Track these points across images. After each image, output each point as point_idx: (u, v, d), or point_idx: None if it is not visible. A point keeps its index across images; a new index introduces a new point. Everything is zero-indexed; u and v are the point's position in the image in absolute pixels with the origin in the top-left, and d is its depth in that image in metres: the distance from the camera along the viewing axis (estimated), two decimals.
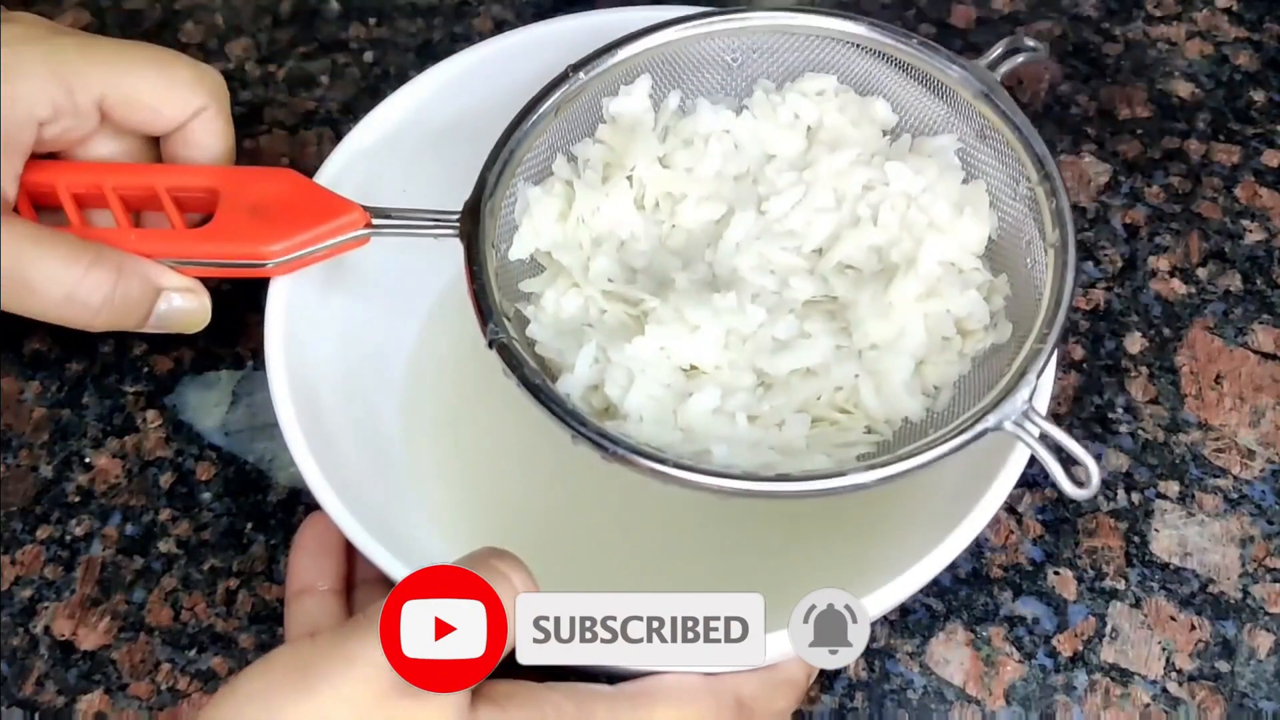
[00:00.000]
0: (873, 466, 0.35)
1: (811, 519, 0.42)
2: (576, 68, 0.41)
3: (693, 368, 0.39)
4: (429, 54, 0.58)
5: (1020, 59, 0.42)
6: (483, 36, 0.59)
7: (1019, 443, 0.36)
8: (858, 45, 0.42)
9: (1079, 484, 0.35)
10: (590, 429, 0.36)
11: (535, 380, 0.37)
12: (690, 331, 0.38)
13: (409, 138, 0.46)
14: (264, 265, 0.40)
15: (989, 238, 0.41)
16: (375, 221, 0.41)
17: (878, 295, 0.39)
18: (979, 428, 0.35)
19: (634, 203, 0.42)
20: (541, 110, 0.41)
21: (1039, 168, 0.40)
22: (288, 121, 0.56)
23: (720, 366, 0.39)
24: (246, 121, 0.56)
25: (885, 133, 0.43)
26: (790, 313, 0.39)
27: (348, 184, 0.43)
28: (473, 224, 0.39)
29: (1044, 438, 0.35)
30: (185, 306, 0.42)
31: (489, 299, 0.38)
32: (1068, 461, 0.35)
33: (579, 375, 0.38)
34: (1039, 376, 0.36)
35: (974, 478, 0.37)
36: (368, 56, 0.58)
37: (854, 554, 0.40)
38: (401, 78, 0.57)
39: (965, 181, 0.42)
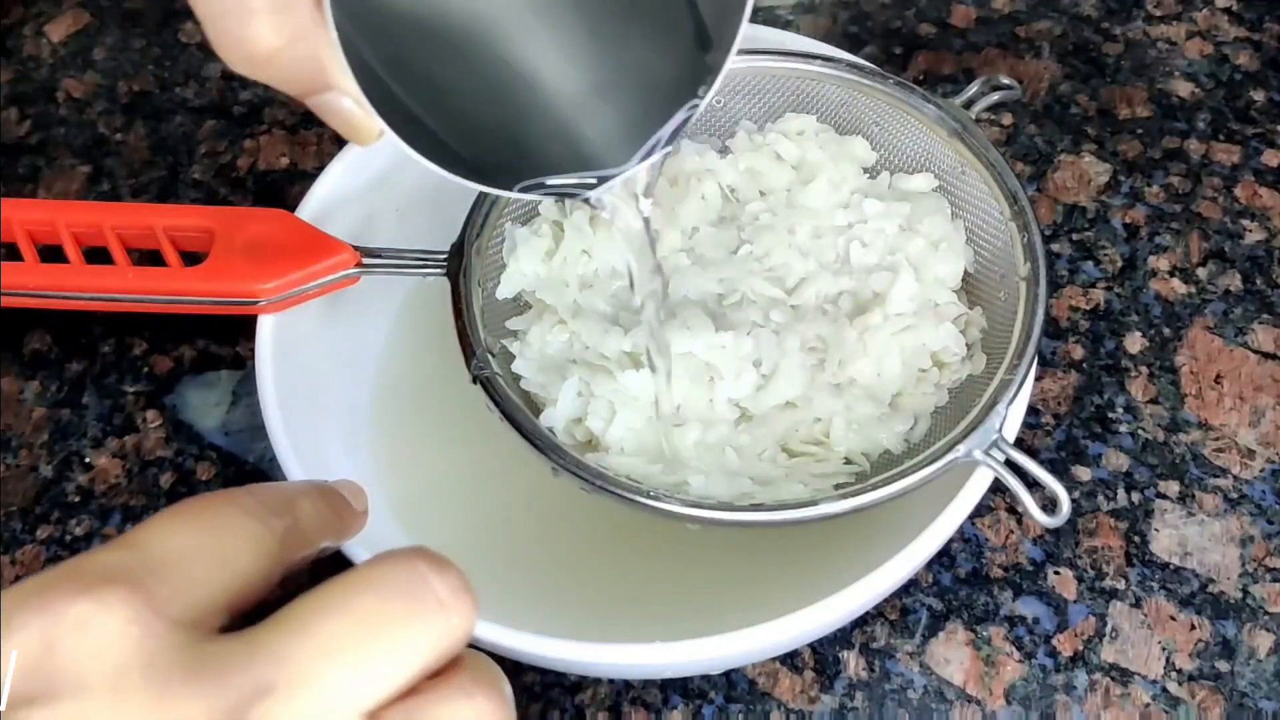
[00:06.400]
0: (845, 496, 0.36)
1: (787, 538, 0.42)
2: None
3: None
4: None
5: (995, 97, 0.43)
6: None
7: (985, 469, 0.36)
8: (837, 84, 0.43)
9: (1050, 512, 0.35)
10: (570, 461, 0.37)
11: (517, 415, 0.38)
12: (674, 365, 0.39)
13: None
14: (257, 303, 0.41)
15: (966, 271, 0.42)
16: (365, 261, 0.42)
17: (856, 329, 0.40)
18: (949, 457, 0.36)
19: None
20: None
21: (1011, 203, 0.40)
22: (288, 121, 0.56)
23: (704, 400, 0.39)
24: (246, 121, 0.57)
25: (864, 170, 0.44)
26: (771, 347, 0.40)
27: (344, 187, 0.43)
28: (460, 264, 0.40)
29: (1014, 466, 0.36)
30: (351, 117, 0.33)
31: (474, 336, 0.39)
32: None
33: (562, 409, 0.39)
34: (1009, 406, 0.36)
35: (946, 499, 0.37)
36: None
37: (819, 569, 0.41)
38: None
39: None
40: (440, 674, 0.23)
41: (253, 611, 0.24)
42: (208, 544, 0.24)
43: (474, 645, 0.36)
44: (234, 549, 0.24)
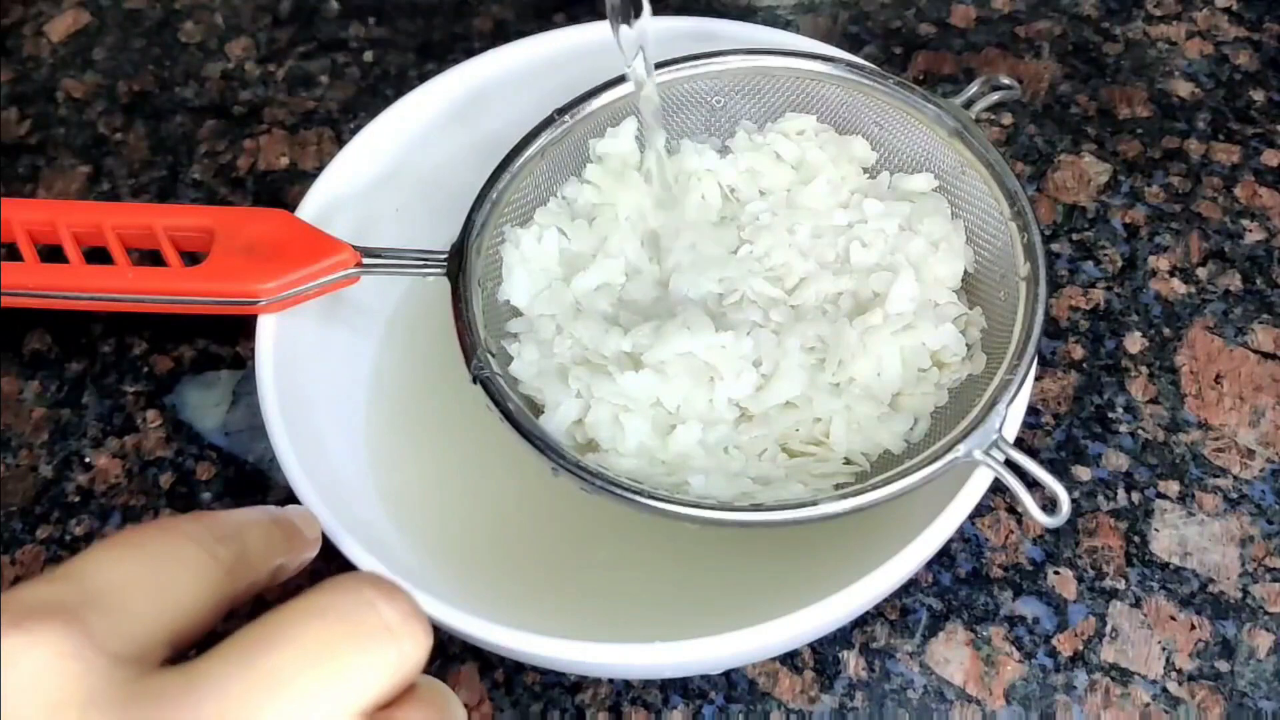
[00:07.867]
0: (844, 496, 0.36)
1: (787, 538, 0.42)
2: (562, 111, 0.42)
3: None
4: (428, 54, 0.58)
5: (995, 97, 0.43)
6: (482, 36, 0.59)
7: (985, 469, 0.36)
8: (837, 84, 0.43)
9: (1050, 512, 0.35)
10: (570, 461, 0.37)
11: (517, 415, 0.38)
12: (673, 365, 0.39)
13: (407, 142, 0.46)
14: (257, 303, 0.41)
15: (966, 271, 0.42)
16: (365, 260, 0.42)
17: (856, 330, 0.40)
18: (949, 457, 0.36)
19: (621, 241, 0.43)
20: (528, 153, 0.42)
21: (1011, 203, 0.40)
22: (288, 121, 0.56)
23: (704, 400, 0.39)
24: (246, 121, 0.57)
25: (865, 170, 0.44)
26: (771, 347, 0.40)
27: (344, 187, 0.43)
28: (460, 264, 0.40)
29: (1014, 466, 0.36)
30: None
31: (474, 336, 0.39)
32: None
33: (563, 410, 0.39)
34: (1009, 406, 0.37)
35: (946, 499, 0.37)
36: (367, 56, 0.58)
37: (819, 569, 0.41)
38: (401, 77, 0.57)
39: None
40: (394, 703, 0.23)
41: (200, 645, 0.24)
42: (149, 574, 0.23)
43: (476, 646, 0.36)
44: (176, 578, 0.23)
